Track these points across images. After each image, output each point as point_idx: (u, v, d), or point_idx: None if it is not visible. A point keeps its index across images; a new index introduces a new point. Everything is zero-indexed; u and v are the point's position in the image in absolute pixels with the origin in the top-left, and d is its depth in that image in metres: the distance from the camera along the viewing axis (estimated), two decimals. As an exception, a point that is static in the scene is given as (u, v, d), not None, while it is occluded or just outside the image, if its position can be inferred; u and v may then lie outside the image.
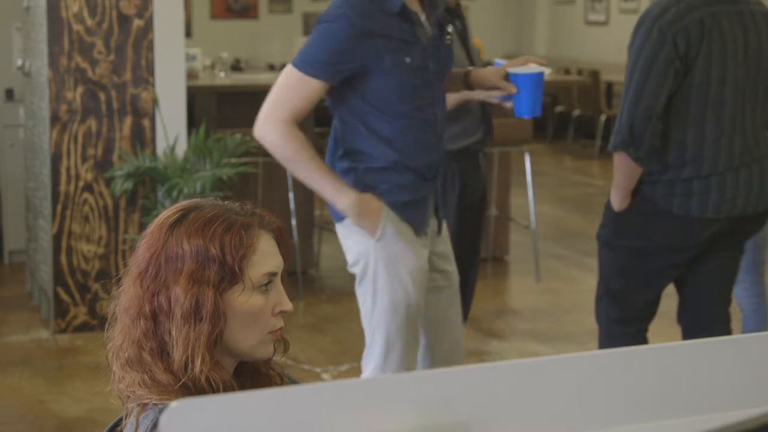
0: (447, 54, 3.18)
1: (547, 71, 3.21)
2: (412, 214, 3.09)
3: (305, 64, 2.99)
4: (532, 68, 3.19)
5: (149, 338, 1.77)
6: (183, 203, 1.86)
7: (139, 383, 1.76)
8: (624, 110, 3.31)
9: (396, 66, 3.00)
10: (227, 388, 1.78)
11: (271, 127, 2.99)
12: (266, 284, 1.81)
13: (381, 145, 3.05)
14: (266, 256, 1.81)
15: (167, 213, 1.83)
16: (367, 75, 3.01)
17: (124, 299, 1.80)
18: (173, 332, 1.75)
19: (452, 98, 3.73)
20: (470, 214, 4.00)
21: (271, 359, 1.89)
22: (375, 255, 3.05)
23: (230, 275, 1.77)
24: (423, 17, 3.09)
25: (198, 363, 1.73)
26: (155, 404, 1.74)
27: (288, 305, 1.85)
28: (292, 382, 2.01)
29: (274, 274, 1.82)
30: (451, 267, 3.28)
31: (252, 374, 1.88)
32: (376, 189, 3.06)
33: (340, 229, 3.12)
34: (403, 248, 3.06)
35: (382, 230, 3.05)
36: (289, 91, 3.00)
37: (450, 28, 3.22)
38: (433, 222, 3.21)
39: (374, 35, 2.98)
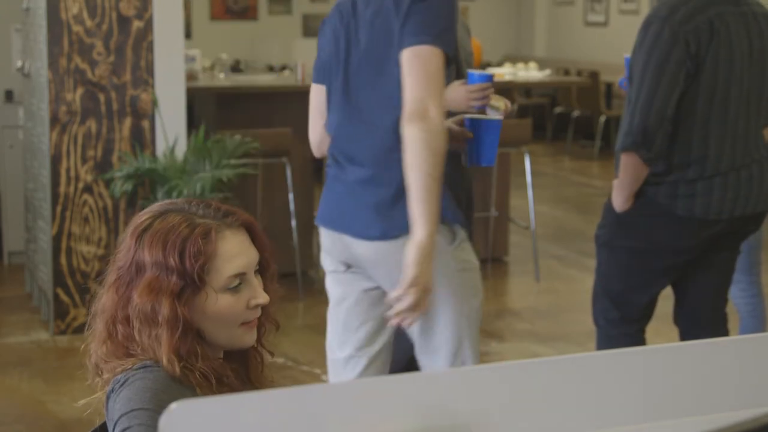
0: None
1: (507, 112, 3.04)
2: None
3: (448, 45, 2.69)
4: (491, 114, 3.02)
5: (131, 341, 1.82)
6: (154, 207, 1.89)
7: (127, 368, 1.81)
8: (636, 111, 3.27)
9: None
10: (217, 372, 1.82)
11: (442, 121, 2.66)
12: (236, 285, 1.83)
13: None
14: (231, 258, 1.82)
15: (139, 218, 1.87)
16: None
17: (101, 305, 1.87)
18: (136, 337, 1.81)
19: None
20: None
21: (260, 341, 1.93)
22: None
23: (192, 284, 1.80)
24: None
25: (165, 363, 1.78)
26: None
27: (263, 297, 1.86)
28: None
29: (242, 275, 1.83)
30: None
31: (240, 354, 1.91)
32: None
33: None
34: None
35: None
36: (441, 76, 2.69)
37: None
38: None
39: None
